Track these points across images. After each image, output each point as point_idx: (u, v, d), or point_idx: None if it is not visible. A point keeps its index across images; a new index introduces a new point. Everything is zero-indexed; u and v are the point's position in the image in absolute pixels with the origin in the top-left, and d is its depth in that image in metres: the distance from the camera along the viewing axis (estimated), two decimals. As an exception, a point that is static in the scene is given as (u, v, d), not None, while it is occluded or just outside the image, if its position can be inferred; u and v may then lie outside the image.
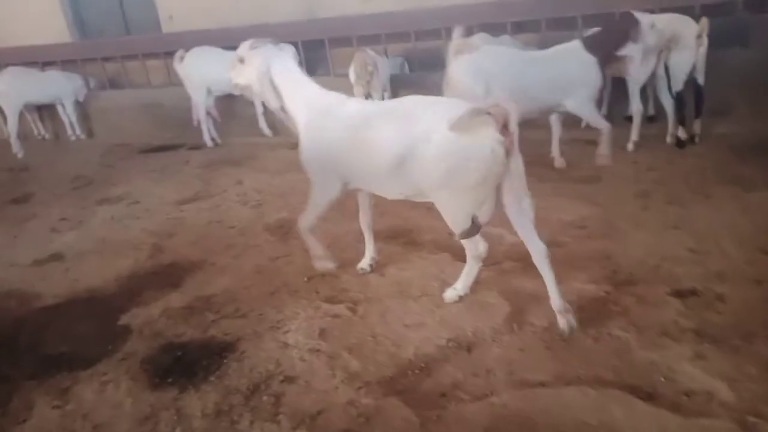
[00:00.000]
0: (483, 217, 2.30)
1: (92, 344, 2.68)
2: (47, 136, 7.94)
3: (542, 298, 2.47)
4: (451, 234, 2.58)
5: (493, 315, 2.54)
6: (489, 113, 2.10)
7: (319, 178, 2.73)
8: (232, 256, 3.49)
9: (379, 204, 3.90)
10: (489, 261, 2.98)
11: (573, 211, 3.55)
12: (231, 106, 6.71)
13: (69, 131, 7.60)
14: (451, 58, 4.15)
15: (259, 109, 6.39)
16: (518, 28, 5.55)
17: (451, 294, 2.68)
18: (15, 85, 6.84)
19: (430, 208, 2.66)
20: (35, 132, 7.89)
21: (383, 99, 5.41)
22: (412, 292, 2.83)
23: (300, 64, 6.07)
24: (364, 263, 3.08)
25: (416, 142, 2.27)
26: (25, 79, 6.98)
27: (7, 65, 7.10)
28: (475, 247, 2.55)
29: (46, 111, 7.78)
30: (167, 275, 3.32)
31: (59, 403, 2.28)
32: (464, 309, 2.61)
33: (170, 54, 6.72)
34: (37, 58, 7.66)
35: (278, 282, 3.08)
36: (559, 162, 4.51)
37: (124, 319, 2.87)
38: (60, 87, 7.22)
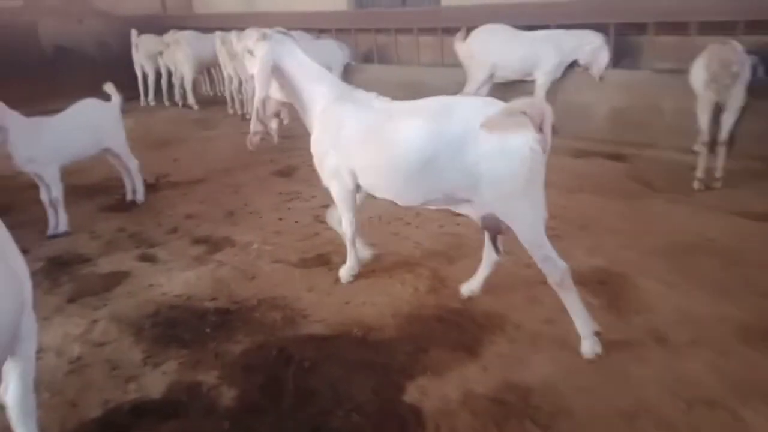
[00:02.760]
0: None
1: (373, 427, 1.96)
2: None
3: None
4: None
5: None
6: (524, 113, 2.06)
7: (331, 172, 2.67)
8: (543, 319, 2.52)
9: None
10: None
11: None
12: (505, 95, 5.75)
13: (330, 101, 7.49)
14: None
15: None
16: None
17: None
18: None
19: None
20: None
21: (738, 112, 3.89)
22: None
23: (603, 52, 4.90)
24: None
25: (452, 142, 2.19)
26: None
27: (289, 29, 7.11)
28: (555, 268, 2.19)
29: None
30: (457, 326, 2.51)
31: None
32: None
33: (447, 30, 5.98)
34: (314, 25, 7.63)
35: (634, 397, 2.02)
36: None
37: (410, 393, 2.11)
38: (332, 55, 7.04)
